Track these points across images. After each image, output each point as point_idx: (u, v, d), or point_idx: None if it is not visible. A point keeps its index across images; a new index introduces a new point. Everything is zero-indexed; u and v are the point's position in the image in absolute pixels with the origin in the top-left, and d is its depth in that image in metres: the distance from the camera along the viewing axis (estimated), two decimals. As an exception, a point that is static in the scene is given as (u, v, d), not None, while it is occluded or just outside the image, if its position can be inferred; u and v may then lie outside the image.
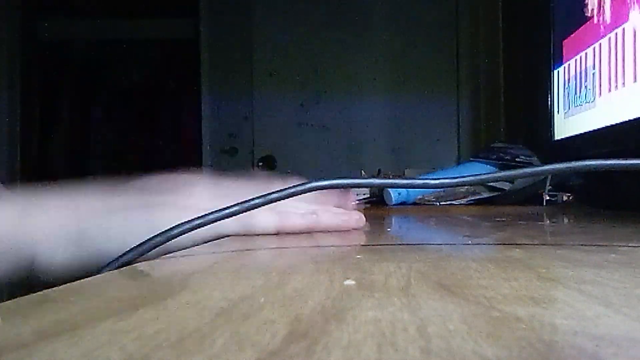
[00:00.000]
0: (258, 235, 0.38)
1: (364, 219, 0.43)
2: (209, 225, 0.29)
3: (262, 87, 2.27)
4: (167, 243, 0.28)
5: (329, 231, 0.40)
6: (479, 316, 0.14)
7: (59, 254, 0.35)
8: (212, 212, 0.30)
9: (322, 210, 0.41)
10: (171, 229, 0.28)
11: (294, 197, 0.33)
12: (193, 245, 0.31)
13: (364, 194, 1.14)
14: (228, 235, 0.36)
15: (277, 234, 0.38)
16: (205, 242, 0.33)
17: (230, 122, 2.29)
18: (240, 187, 0.39)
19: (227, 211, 0.30)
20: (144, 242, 0.28)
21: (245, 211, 0.31)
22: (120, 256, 0.27)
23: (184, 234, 0.29)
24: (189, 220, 0.29)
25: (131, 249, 0.27)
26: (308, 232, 0.39)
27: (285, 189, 0.32)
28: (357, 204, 0.45)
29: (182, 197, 0.37)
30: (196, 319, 0.14)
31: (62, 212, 0.36)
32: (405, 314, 0.14)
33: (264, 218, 0.37)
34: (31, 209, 0.36)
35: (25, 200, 0.36)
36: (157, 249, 0.28)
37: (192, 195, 0.37)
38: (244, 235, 0.37)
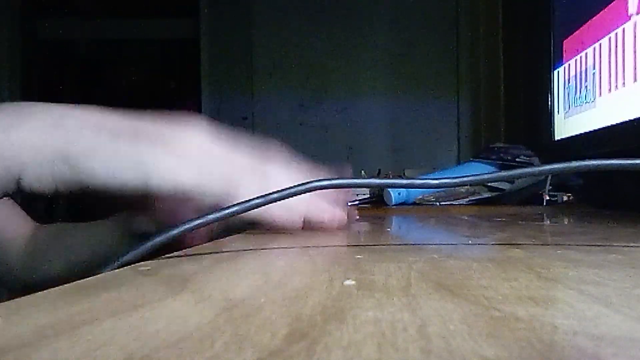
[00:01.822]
0: (248, 223, 0.38)
1: (346, 219, 0.42)
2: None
3: (262, 87, 2.27)
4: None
5: (312, 228, 0.40)
6: (479, 316, 0.14)
7: (45, 172, 0.33)
8: (212, 212, 0.30)
9: (312, 205, 0.40)
10: (172, 229, 0.28)
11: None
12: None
13: (364, 194, 1.14)
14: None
15: (268, 229, 0.38)
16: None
17: (230, 122, 2.29)
18: (232, 153, 0.38)
19: (227, 211, 0.30)
20: (144, 242, 0.28)
21: (246, 211, 0.31)
22: (121, 256, 0.27)
23: (185, 233, 0.29)
24: (189, 220, 0.29)
25: (131, 249, 0.27)
26: (293, 228, 0.39)
27: (286, 189, 0.32)
28: (354, 203, 0.46)
29: (174, 140, 0.35)
30: (196, 319, 0.14)
31: (49, 129, 0.33)
32: (405, 314, 0.14)
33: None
34: (18, 124, 0.33)
35: (13, 113, 0.34)
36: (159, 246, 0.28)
37: (184, 142, 0.35)
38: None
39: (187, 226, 0.29)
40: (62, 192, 0.34)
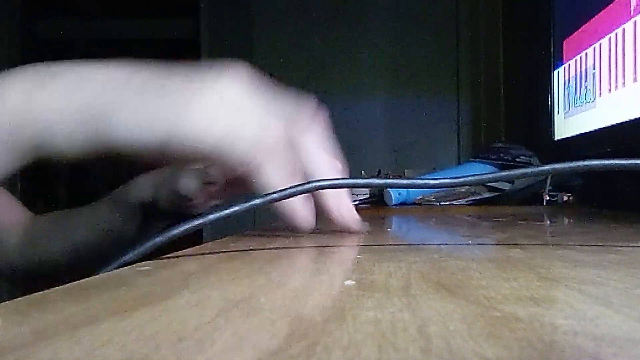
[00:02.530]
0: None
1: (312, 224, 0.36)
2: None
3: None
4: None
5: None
6: (479, 316, 0.14)
7: (67, 134, 0.31)
8: (212, 212, 0.30)
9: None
10: (172, 228, 0.28)
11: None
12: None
13: (364, 194, 1.14)
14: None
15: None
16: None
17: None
18: (267, 115, 0.34)
19: (227, 211, 0.30)
20: (143, 242, 0.28)
21: (246, 211, 0.31)
22: (121, 256, 0.27)
23: (186, 233, 0.29)
24: (190, 220, 0.29)
25: (131, 249, 0.27)
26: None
27: (286, 189, 0.32)
28: (354, 203, 0.44)
29: (203, 94, 0.32)
30: (196, 319, 0.14)
31: (73, 89, 0.31)
32: (405, 314, 0.14)
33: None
34: (41, 86, 0.31)
35: (35, 76, 0.32)
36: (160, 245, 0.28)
37: (214, 97, 0.32)
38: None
39: (187, 226, 0.29)
40: (89, 156, 0.32)
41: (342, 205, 0.37)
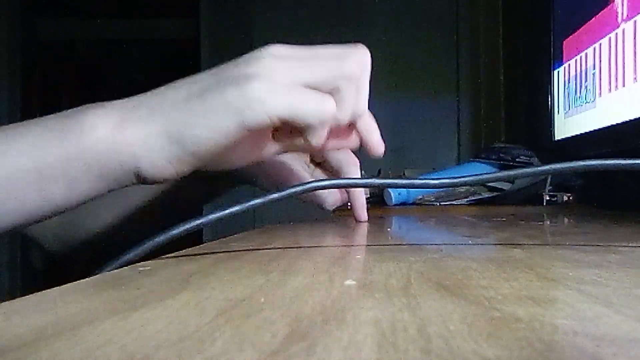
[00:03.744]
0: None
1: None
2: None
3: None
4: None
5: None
6: (479, 316, 0.14)
7: (158, 157, 0.34)
8: (212, 213, 0.30)
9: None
10: (172, 228, 0.28)
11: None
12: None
13: (364, 194, 1.13)
14: None
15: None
16: None
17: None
18: (316, 62, 0.37)
19: (227, 211, 0.30)
20: (144, 242, 0.28)
21: (246, 210, 0.31)
22: (120, 256, 0.27)
23: (186, 233, 0.29)
24: (191, 220, 0.29)
25: (131, 249, 0.27)
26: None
27: (286, 189, 0.32)
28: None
29: (254, 70, 0.34)
30: (196, 319, 0.14)
31: (150, 114, 0.34)
32: (405, 314, 0.14)
33: None
34: (128, 118, 0.34)
35: (119, 109, 0.35)
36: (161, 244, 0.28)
37: (263, 69, 0.34)
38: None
39: (187, 226, 0.29)
40: (182, 172, 0.35)
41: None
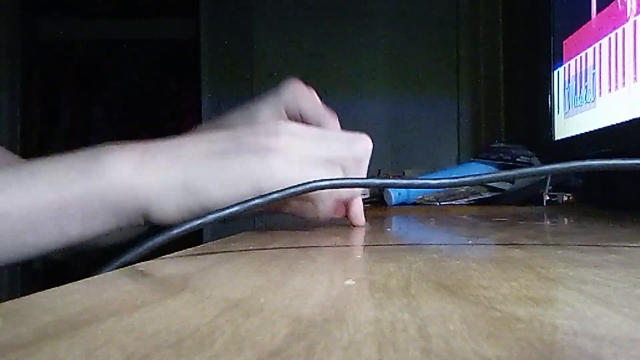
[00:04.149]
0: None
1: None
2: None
3: (262, 87, 2.26)
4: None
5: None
6: (479, 316, 0.14)
7: (170, 205, 0.36)
8: (212, 212, 0.30)
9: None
10: (172, 228, 0.28)
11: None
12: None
13: (364, 194, 1.14)
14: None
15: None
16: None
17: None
18: (327, 139, 0.40)
19: (227, 211, 0.30)
20: (144, 242, 0.28)
21: (246, 210, 0.31)
22: (120, 256, 0.27)
23: (186, 233, 0.29)
24: (190, 220, 0.29)
25: (131, 249, 0.27)
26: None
27: (286, 189, 0.32)
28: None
29: (273, 142, 0.37)
30: (196, 319, 0.14)
31: (169, 163, 0.36)
32: (405, 314, 0.14)
33: None
34: (145, 161, 0.36)
35: (140, 154, 0.37)
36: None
37: (282, 142, 0.38)
38: None
39: (187, 226, 0.29)
40: (186, 219, 0.37)
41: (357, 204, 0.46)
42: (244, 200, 0.31)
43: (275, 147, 0.37)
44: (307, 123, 0.50)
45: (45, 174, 0.36)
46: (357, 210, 0.46)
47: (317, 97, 0.51)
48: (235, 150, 0.37)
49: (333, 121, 0.50)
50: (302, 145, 0.38)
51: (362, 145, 0.42)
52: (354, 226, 0.47)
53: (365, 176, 0.42)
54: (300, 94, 0.51)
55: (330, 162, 0.39)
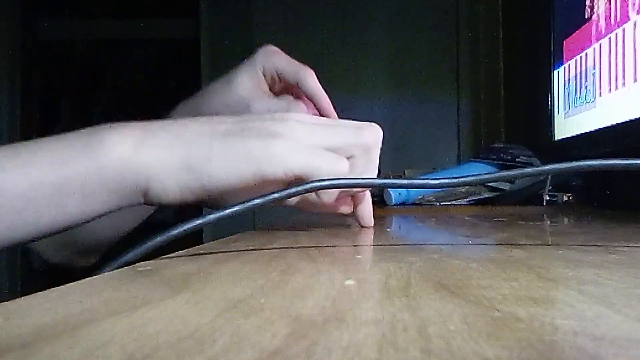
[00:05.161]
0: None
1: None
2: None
3: (262, 87, 2.27)
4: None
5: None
6: (479, 316, 0.14)
7: (171, 183, 0.35)
8: (212, 212, 0.30)
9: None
10: (172, 228, 0.28)
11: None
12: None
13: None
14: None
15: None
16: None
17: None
18: (335, 130, 0.39)
19: (227, 211, 0.30)
20: (143, 242, 0.28)
21: (245, 210, 0.31)
22: (120, 256, 0.27)
23: (185, 233, 0.29)
24: (190, 220, 0.29)
25: (131, 249, 0.27)
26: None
27: (285, 189, 0.32)
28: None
29: (279, 128, 0.37)
30: (196, 319, 0.14)
31: (172, 142, 0.36)
32: (405, 314, 0.14)
33: None
34: (146, 140, 0.36)
35: (142, 130, 0.36)
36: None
37: (287, 128, 0.37)
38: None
39: (187, 226, 0.29)
40: (187, 199, 0.37)
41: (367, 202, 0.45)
42: (243, 200, 0.31)
43: (280, 133, 0.36)
44: (284, 81, 0.50)
45: (46, 152, 0.35)
46: (366, 210, 0.45)
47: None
48: (239, 133, 0.37)
49: (310, 73, 0.49)
50: (307, 132, 0.38)
51: (371, 134, 0.40)
52: (362, 227, 0.45)
53: (376, 166, 0.41)
54: (273, 54, 0.50)
55: (336, 151, 0.38)
